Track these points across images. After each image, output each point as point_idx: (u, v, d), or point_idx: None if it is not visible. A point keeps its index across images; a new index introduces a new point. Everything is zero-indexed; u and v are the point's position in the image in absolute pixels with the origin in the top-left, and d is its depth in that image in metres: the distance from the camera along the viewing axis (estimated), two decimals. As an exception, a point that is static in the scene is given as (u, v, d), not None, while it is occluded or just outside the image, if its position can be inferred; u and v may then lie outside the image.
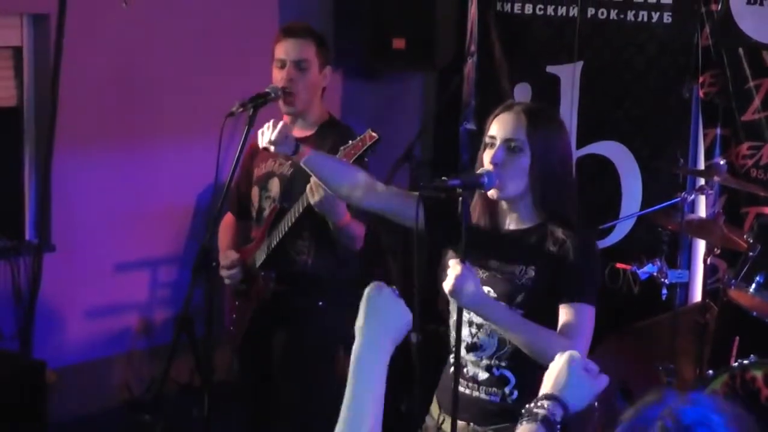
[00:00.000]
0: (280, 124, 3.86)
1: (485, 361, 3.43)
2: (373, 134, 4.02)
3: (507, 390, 3.40)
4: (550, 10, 6.63)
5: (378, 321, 2.50)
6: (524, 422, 2.42)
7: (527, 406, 2.48)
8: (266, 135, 3.87)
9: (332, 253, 4.61)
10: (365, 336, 2.48)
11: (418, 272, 3.43)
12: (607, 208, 6.33)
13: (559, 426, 2.42)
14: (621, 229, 6.37)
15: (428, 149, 7.23)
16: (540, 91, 6.64)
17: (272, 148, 3.85)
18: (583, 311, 3.29)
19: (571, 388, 2.48)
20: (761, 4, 5.94)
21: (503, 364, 3.40)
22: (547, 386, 2.50)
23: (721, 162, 5.38)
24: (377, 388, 2.40)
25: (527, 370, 3.30)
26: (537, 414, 2.42)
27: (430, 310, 4.09)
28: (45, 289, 5.91)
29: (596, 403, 4.99)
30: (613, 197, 6.43)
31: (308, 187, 4.27)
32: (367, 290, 2.58)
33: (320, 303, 4.64)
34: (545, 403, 2.44)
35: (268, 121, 3.97)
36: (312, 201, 4.28)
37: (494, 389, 3.42)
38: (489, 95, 6.73)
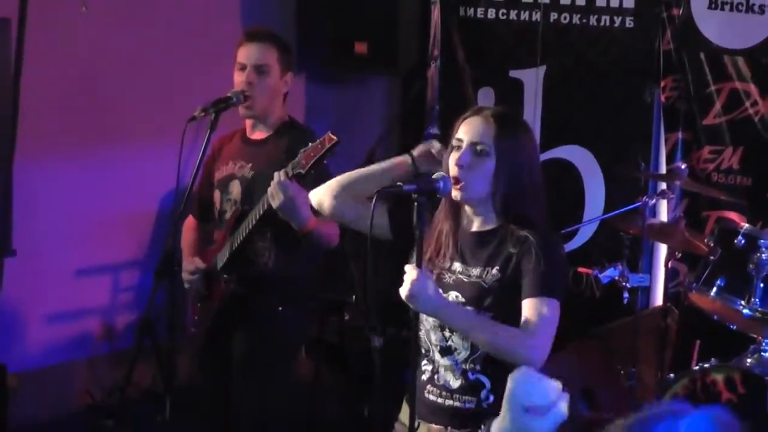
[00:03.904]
0: None
1: (459, 366, 3.43)
2: (333, 137, 4.03)
3: (482, 395, 3.40)
4: (513, 14, 6.65)
5: None
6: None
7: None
8: None
9: (294, 255, 4.60)
10: None
11: (370, 275, 3.43)
12: (570, 213, 6.35)
13: None
14: (584, 234, 6.39)
15: (392, 153, 7.20)
16: (503, 95, 6.65)
17: None
18: (545, 305, 3.27)
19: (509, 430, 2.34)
20: (722, 8, 5.98)
21: (478, 367, 3.39)
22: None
23: (682, 166, 5.41)
24: None
25: (501, 372, 3.29)
26: None
27: (393, 314, 4.08)
28: (6, 294, 5.86)
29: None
30: (576, 201, 6.45)
31: (269, 190, 4.27)
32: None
33: (281, 306, 4.63)
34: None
35: (229, 120, 3.95)
36: (273, 205, 4.28)
37: (468, 397, 3.42)
38: (452, 100, 6.73)
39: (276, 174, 4.27)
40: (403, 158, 3.65)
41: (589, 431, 5.45)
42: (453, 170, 3.39)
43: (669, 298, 5.50)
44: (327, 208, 3.68)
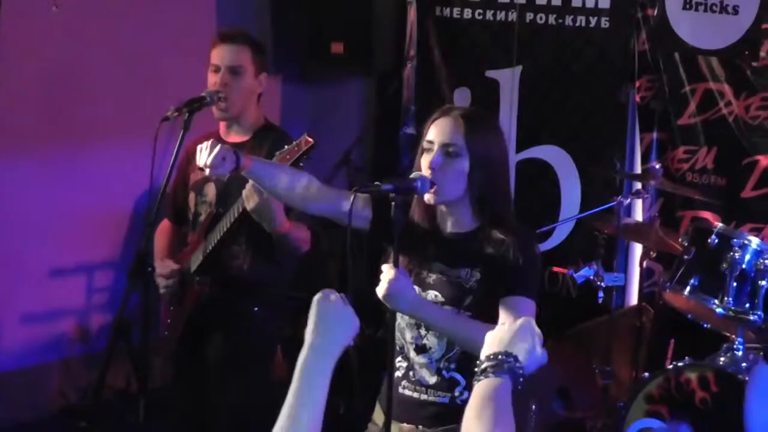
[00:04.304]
0: (217, 147, 3.60)
1: (434, 364, 3.42)
2: (309, 139, 4.01)
3: (457, 392, 3.41)
4: (489, 15, 6.65)
5: (326, 327, 2.51)
6: (487, 376, 2.38)
7: (481, 364, 2.43)
8: (203, 156, 3.64)
9: (269, 257, 4.59)
10: (313, 342, 2.48)
11: (351, 273, 3.43)
12: (546, 212, 6.36)
13: (521, 380, 2.39)
14: (560, 233, 6.40)
15: (368, 154, 7.22)
16: (480, 95, 6.65)
17: (207, 171, 3.70)
18: (523, 304, 3.29)
19: (524, 349, 2.45)
20: (696, 9, 5.99)
21: (452, 366, 3.40)
22: (496, 345, 2.47)
23: (657, 166, 5.43)
24: (320, 395, 2.41)
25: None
26: (501, 366, 2.39)
27: (369, 313, 4.08)
28: (-20, 295, 5.85)
29: (533, 406, 5.02)
30: (552, 201, 6.46)
31: (244, 193, 4.26)
32: (315, 297, 2.58)
33: (255, 308, 4.62)
34: (504, 357, 2.41)
35: (203, 122, 3.94)
36: (248, 207, 4.27)
37: (442, 393, 3.43)
38: (429, 100, 6.72)
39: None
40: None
41: (565, 430, 5.49)
42: (426, 173, 3.39)
43: (644, 298, 5.51)
44: (304, 203, 3.68)
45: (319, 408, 2.39)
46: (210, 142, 3.63)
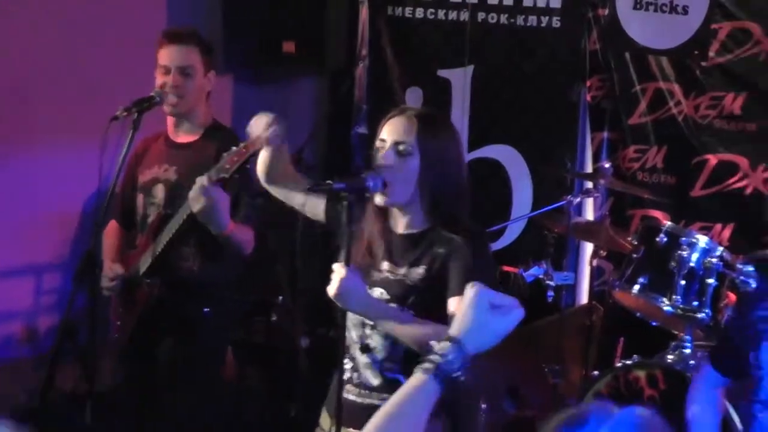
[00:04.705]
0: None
1: (378, 365, 3.42)
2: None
3: None
4: (441, 14, 6.66)
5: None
6: (416, 372, 2.28)
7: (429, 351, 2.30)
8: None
9: (218, 259, 4.57)
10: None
11: (294, 271, 3.43)
12: (498, 212, 6.37)
13: (459, 373, 2.25)
14: (511, 233, 6.41)
15: (321, 153, 7.21)
16: (431, 95, 6.66)
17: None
18: None
19: (471, 328, 2.31)
20: (647, 9, 6.02)
21: (396, 367, 3.39)
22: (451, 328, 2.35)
23: (607, 165, 5.43)
24: None
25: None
26: (429, 364, 2.26)
27: (321, 314, 4.07)
28: (-74, 297, 5.78)
29: (483, 405, 5.02)
30: (503, 201, 6.48)
31: (190, 195, 4.24)
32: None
33: (205, 309, 4.60)
34: (441, 347, 2.28)
35: (152, 122, 3.92)
36: (193, 209, 4.26)
37: (387, 395, 3.40)
38: (381, 99, 6.72)
39: (199, 179, 4.26)
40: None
41: (516, 429, 5.50)
42: (377, 171, 3.38)
43: (595, 296, 5.53)
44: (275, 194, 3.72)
45: None
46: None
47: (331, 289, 3.26)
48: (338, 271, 3.26)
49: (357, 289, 3.27)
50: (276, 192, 3.74)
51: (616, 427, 1.83)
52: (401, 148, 3.37)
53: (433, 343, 2.31)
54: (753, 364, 3.25)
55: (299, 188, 3.66)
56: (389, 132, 3.42)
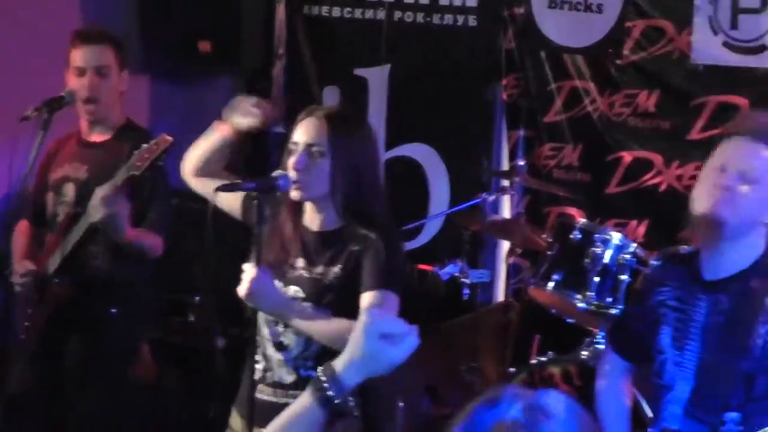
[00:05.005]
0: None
1: (292, 362, 3.41)
2: (167, 138, 4.03)
3: None
4: (357, 13, 6.64)
5: None
6: (307, 389, 2.30)
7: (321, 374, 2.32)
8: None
9: (128, 258, 4.53)
10: None
11: (208, 270, 3.42)
12: (415, 210, 6.35)
13: (341, 402, 2.25)
14: (429, 231, 6.41)
15: (237, 153, 7.13)
16: (349, 94, 6.64)
17: None
18: (383, 297, 3.30)
19: (355, 362, 2.28)
20: (562, 7, 6.06)
21: (310, 364, 3.40)
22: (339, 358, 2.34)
23: (521, 163, 5.46)
24: None
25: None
26: (316, 388, 2.29)
27: (237, 314, 4.04)
28: None
29: (401, 404, 5.02)
30: (421, 199, 6.47)
31: (90, 204, 4.24)
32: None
33: (113, 309, 4.56)
34: (325, 377, 2.29)
35: (64, 122, 3.88)
36: (93, 219, 4.26)
37: (301, 392, 3.38)
38: (298, 98, 6.68)
39: (98, 189, 4.27)
40: (223, 122, 3.68)
41: (434, 428, 5.50)
42: (291, 174, 3.39)
43: (511, 294, 5.55)
44: (194, 188, 3.71)
45: None
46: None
47: (241, 290, 3.27)
48: (248, 271, 3.27)
49: (267, 288, 3.28)
50: (198, 186, 3.71)
51: (529, 407, 1.83)
52: (314, 150, 3.40)
53: (319, 371, 2.31)
54: (654, 348, 3.29)
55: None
56: (300, 134, 3.43)
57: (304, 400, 2.29)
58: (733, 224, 3.15)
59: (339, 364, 2.30)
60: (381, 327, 2.30)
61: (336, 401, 2.27)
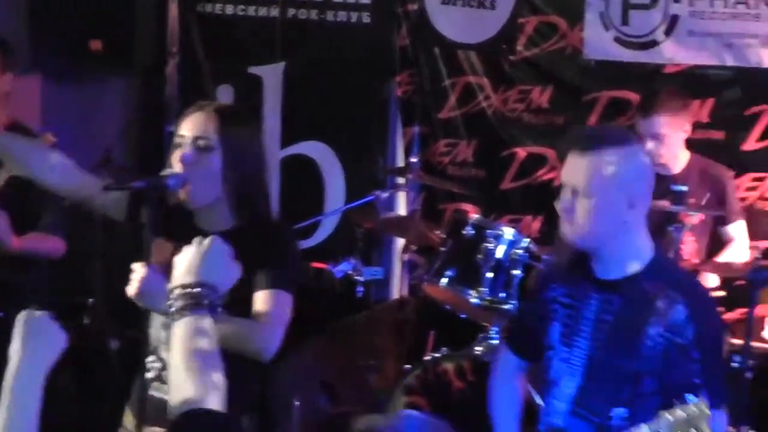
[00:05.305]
0: None
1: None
2: (51, 138, 3.94)
3: None
4: (251, 10, 6.61)
5: (36, 343, 2.46)
6: (184, 315, 2.33)
7: (175, 300, 2.36)
8: None
9: (15, 260, 4.45)
10: (24, 358, 2.42)
11: (100, 272, 3.36)
12: (311, 209, 6.34)
13: (217, 303, 2.35)
14: (325, 229, 6.40)
15: (133, 153, 7.07)
16: (243, 92, 6.60)
17: None
18: (277, 296, 3.25)
19: (218, 272, 2.44)
20: (455, 4, 6.08)
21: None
22: (188, 274, 2.42)
23: (414, 160, 5.47)
24: (32, 415, 2.37)
25: (230, 367, 3.24)
26: (199, 302, 2.34)
27: (131, 314, 3.99)
28: None
29: (297, 402, 5.00)
30: (316, 198, 6.46)
31: None
32: (21, 316, 2.52)
33: (3, 312, 4.47)
34: (201, 290, 2.37)
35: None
36: None
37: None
38: (192, 97, 6.58)
39: None
40: None
41: (331, 426, 5.48)
42: (177, 168, 3.31)
43: (409, 291, 5.55)
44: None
45: (35, 422, 2.35)
46: None
47: (131, 290, 3.20)
48: (138, 270, 3.20)
49: (158, 288, 3.21)
50: (68, 194, 3.64)
51: None
52: (201, 143, 3.30)
53: (185, 292, 2.37)
54: (544, 345, 3.29)
55: (92, 189, 3.55)
56: (188, 128, 3.34)
57: (189, 325, 2.31)
58: (585, 242, 3.16)
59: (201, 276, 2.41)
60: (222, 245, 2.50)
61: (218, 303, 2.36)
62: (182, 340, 2.30)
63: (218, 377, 2.25)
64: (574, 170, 3.12)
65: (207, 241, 2.49)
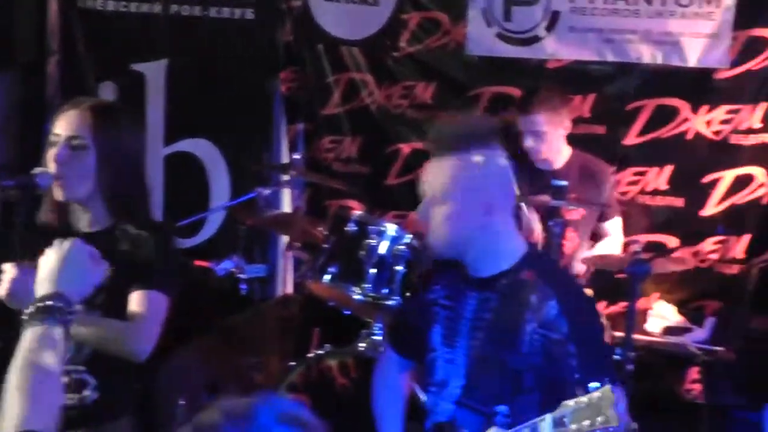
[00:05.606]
0: None
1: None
2: None
3: (86, 392, 3.28)
4: (133, 6, 6.53)
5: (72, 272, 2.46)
6: (33, 325, 2.26)
7: (30, 308, 2.32)
8: None
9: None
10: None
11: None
12: (195, 207, 6.28)
13: (70, 315, 2.32)
14: (210, 228, 6.35)
15: (12, 151, 6.94)
16: (126, 89, 6.52)
17: None
18: (152, 297, 3.22)
19: (71, 276, 2.42)
20: (338, 0, 6.07)
21: (81, 368, 3.28)
22: (47, 283, 2.39)
23: (297, 156, 5.46)
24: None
25: (108, 368, 3.21)
26: (50, 313, 2.29)
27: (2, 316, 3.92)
28: None
29: (182, 402, 4.96)
30: (201, 195, 6.41)
31: None
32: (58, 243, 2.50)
33: None
34: (53, 303, 2.32)
35: None
36: None
37: (71, 395, 3.29)
38: (74, 94, 6.47)
39: None
40: None
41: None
42: (51, 167, 3.26)
43: (294, 288, 5.53)
44: None
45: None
46: None
47: (1, 290, 3.14)
48: (8, 271, 3.14)
49: (30, 289, 3.16)
50: None
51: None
52: (75, 142, 3.26)
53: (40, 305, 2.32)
54: (427, 347, 3.28)
55: None
56: (63, 126, 3.30)
57: (33, 334, 2.25)
58: (445, 249, 3.17)
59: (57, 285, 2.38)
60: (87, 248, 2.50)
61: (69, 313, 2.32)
62: (26, 350, 2.22)
63: (54, 397, 2.17)
64: (435, 176, 3.12)
65: (67, 244, 2.45)
